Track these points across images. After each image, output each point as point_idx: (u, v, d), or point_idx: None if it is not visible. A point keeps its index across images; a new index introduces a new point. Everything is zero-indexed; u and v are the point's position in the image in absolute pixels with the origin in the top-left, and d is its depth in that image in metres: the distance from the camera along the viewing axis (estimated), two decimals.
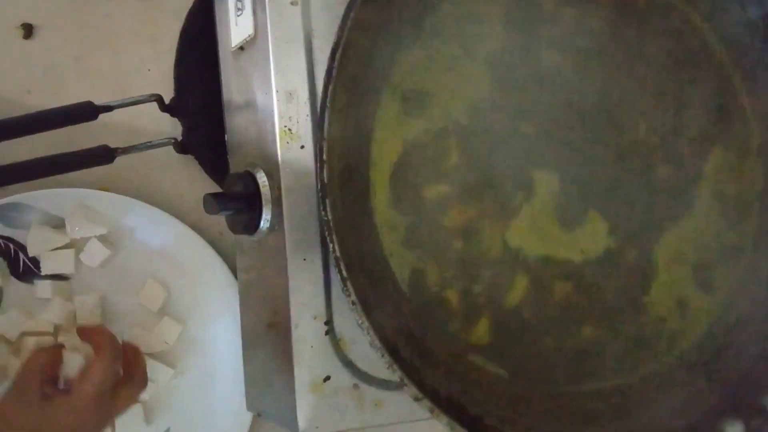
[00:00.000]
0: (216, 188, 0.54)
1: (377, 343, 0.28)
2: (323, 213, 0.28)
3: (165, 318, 0.52)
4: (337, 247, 0.28)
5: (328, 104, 0.28)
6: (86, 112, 0.46)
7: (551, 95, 0.38)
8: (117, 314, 0.52)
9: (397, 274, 0.33)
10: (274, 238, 0.42)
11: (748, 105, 0.39)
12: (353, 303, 0.28)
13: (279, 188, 0.41)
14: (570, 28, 0.36)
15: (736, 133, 0.39)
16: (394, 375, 0.28)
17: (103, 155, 0.46)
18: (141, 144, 0.48)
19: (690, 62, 0.38)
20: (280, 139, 0.41)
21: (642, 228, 0.37)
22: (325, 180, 0.28)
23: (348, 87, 0.30)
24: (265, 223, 0.41)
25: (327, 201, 0.28)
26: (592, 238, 0.36)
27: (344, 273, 0.28)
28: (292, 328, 0.40)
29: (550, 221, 0.35)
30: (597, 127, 0.39)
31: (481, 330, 0.35)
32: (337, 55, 0.28)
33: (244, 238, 0.44)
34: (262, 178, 0.41)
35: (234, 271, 0.53)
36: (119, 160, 0.47)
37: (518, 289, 0.35)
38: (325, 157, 0.28)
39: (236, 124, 0.47)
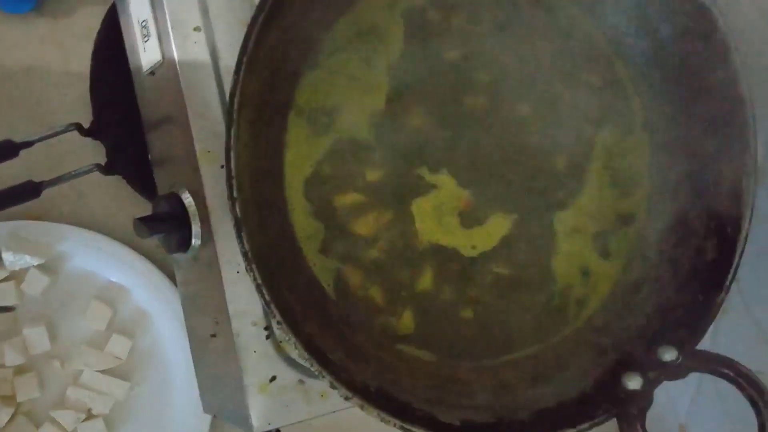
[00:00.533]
0: (147, 205, 0.56)
1: (306, 354, 0.31)
2: (240, 246, 0.30)
3: (114, 335, 0.54)
4: (257, 275, 0.30)
5: (232, 144, 0.30)
6: (7, 150, 0.46)
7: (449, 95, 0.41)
8: (66, 338, 0.53)
9: (323, 282, 0.36)
10: (207, 252, 0.44)
11: (630, 84, 0.42)
12: (278, 323, 0.31)
13: (205, 207, 0.43)
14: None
15: (621, 111, 0.42)
16: (325, 380, 0.31)
17: (30, 191, 0.47)
18: (66, 174, 0.49)
19: (572, 49, 0.42)
20: (200, 160, 0.42)
21: (540, 209, 0.41)
22: (238, 215, 0.30)
23: (252, 121, 0.32)
24: (196, 241, 0.43)
25: (243, 234, 0.30)
26: (492, 230, 0.39)
27: (266, 297, 0.31)
28: (234, 336, 0.42)
29: (453, 219, 0.38)
30: (492, 124, 0.42)
31: (406, 320, 0.38)
32: (235, 100, 0.30)
33: (180, 255, 0.46)
34: (187, 198, 0.43)
35: (174, 279, 0.56)
36: (49, 188, 0.48)
37: (427, 277, 0.38)
38: (235, 194, 0.30)
39: (157, 143, 0.49)
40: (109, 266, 0.54)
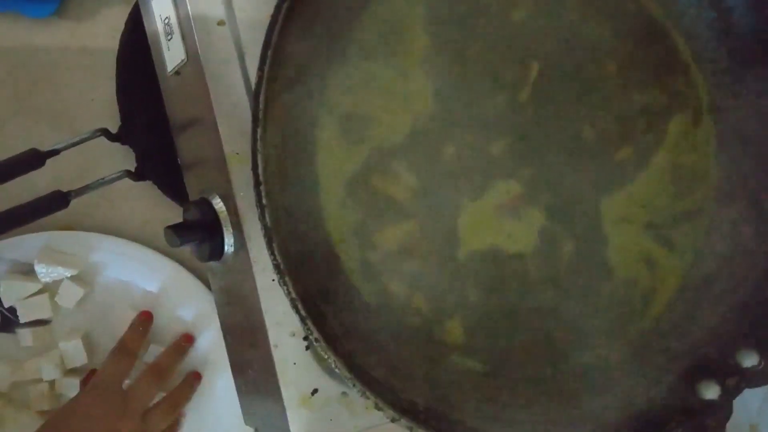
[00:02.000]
0: (179, 210, 0.54)
1: (347, 374, 0.28)
2: (271, 257, 0.28)
3: (152, 346, 0.52)
4: (291, 289, 0.28)
5: (259, 147, 0.27)
6: (33, 160, 0.45)
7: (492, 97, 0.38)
8: (104, 351, 0.52)
9: (363, 293, 0.33)
10: (240, 260, 0.42)
11: (693, 65, 0.38)
12: (316, 340, 0.28)
13: (237, 212, 0.40)
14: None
15: (686, 96, 0.38)
16: (369, 401, 0.29)
17: (58, 201, 0.46)
18: (94, 182, 0.48)
19: (634, 33, 0.38)
20: (230, 163, 0.40)
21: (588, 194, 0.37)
22: (268, 224, 0.27)
23: (281, 120, 0.29)
24: (229, 248, 0.41)
25: (274, 245, 0.27)
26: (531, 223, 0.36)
27: (302, 313, 0.28)
28: (272, 348, 0.40)
29: (497, 220, 0.35)
30: (548, 123, 0.38)
31: (455, 329, 0.35)
32: (261, 98, 0.27)
33: (213, 263, 0.44)
34: (218, 204, 0.41)
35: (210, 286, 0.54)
36: (78, 197, 0.47)
37: (472, 283, 0.35)
38: (264, 201, 0.27)
39: (186, 147, 0.47)
40: (144, 275, 0.53)
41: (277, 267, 0.28)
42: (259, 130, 0.27)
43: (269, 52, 0.27)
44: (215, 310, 0.49)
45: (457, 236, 0.37)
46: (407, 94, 0.36)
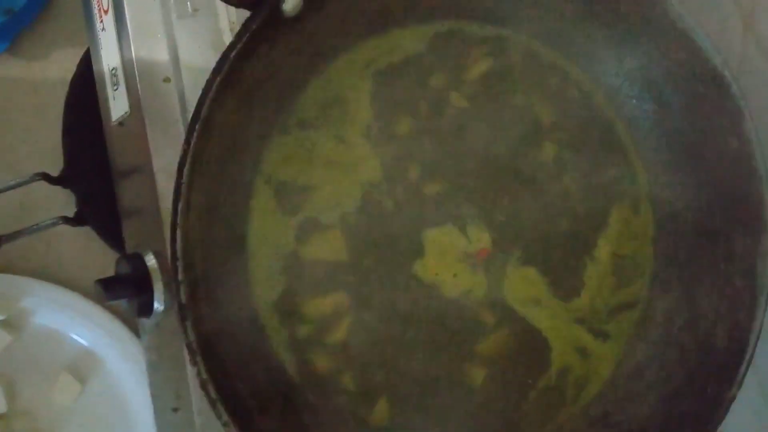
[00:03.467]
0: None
1: None
2: (184, 336, 0.27)
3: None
4: (202, 369, 0.27)
5: (178, 222, 0.26)
6: None
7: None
8: (26, 400, 0.50)
9: (287, 367, 0.32)
10: (170, 319, 0.41)
11: (633, 153, 0.39)
12: (225, 425, 0.27)
13: (169, 271, 0.39)
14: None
15: (624, 181, 0.39)
16: None
17: None
18: (27, 228, 0.46)
19: (574, 113, 0.38)
20: (165, 220, 0.39)
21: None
22: (183, 301, 0.27)
23: (209, 189, 0.28)
24: (159, 306, 0.40)
25: (187, 323, 0.26)
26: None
27: (213, 395, 0.27)
28: (195, 415, 0.39)
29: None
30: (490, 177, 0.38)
31: (381, 409, 0.34)
32: (185, 171, 0.26)
33: (144, 319, 0.43)
34: (151, 261, 0.40)
35: None
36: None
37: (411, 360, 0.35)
38: (180, 276, 0.26)
39: (125, 197, 0.46)
40: (76, 326, 0.50)
41: (188, 346, 0.27)
42: (180, 203, 0.26)
43: (197, 126, 0.26)
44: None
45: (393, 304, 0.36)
46: (350, 164, 0.36)
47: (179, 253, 0.27)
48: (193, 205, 0.28)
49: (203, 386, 0.27)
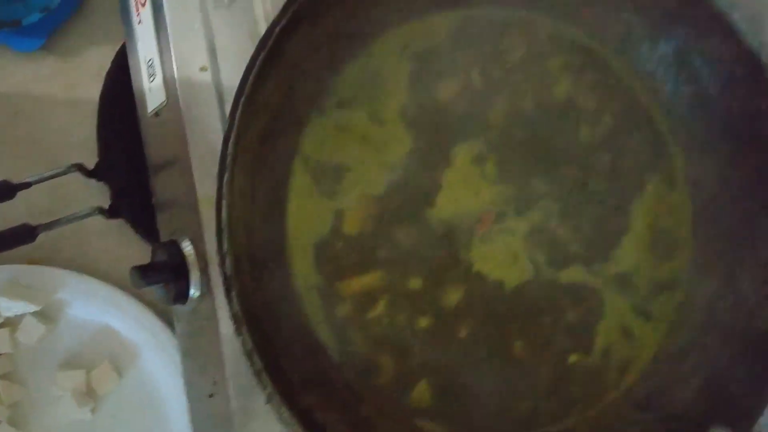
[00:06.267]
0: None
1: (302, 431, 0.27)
2: (229, 305, 0.27)
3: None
4: (247, 339, 0.27)
5: (224, 194, 0.27)
6: (3, 191, 0.44)
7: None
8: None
9: (327, 346, 0.32)
10: (205, 305, 0.41)
11: (670, 137, 0.38)
12: (270, 395, 0.27)
13: (205, 258, 0.40)
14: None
15: (661, 165, 0.39)
16: None
17: (25, 235, 0.44)
18: (64, 218, 0.47)
19: (609, 96, 0.38)
20: (202, 207, 0.40)
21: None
22: (228, 272, 0.27)
23: (250, 167, 0.29)
24: (195, 292, 0.40)
25: (233, 294, 0.27)
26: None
27: (257, 365, 0.27)
28: (232, 400, 0.39)
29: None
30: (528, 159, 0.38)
31: (422, 391, 0.34)
32: (230, 144, 0.27)
33: (178, 306, 0.43)
34: (187, 247, 0.40)
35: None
36: (47, 232, 0.46)
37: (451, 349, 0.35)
38: (225, 248, 0.27)
39: (161, 187, 0.46)
40: (111, 317, 0.51)
41: (235, 316, 0.27)
42: (225, 176, 0.27)
43: (242, 100, 0.26)
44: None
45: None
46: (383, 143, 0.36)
47: (224, 224, 0.27)
48: (236, 182, 0.28)
49: (249, 356, 0.27)
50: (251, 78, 0.27)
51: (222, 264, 0.27)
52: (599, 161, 0.39)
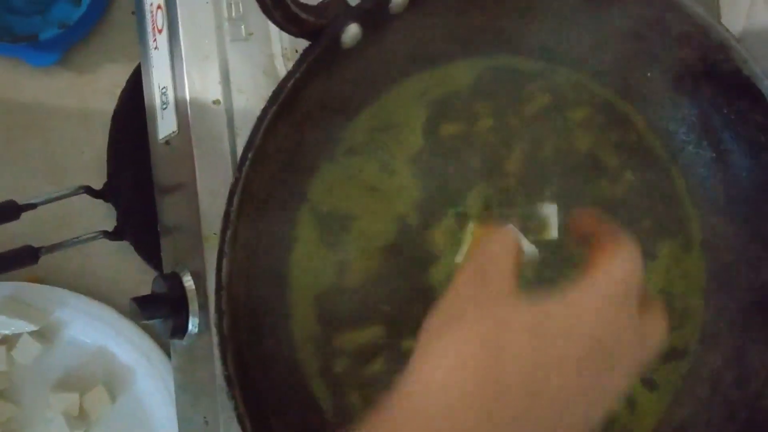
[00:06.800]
0: (153, 274, 0.52)
1: None
2: (223, 368, 0.26)
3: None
4: (240, 402, 0.26)
5: (225, 251, 0.26)
6: (8, 212, 0.44)
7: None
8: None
9: (322, 404, 0.31)
10: (203, 343, 0.40)
11: (687, 198, 0.38)
12: None
13: (205, 294, 0.39)
14: None
15: (676, 226, 0.38)
16: None
17: (27, 256, 0.44)
18: (67, 240, 0.46)
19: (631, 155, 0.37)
20: (206, 243, 0.39)
21: None
22: (225, 332, 0.26)
23: (254, 217, 0.28)
24: (193, 328, 0.39)
25: (228, 355, 0.26)
26: None
27: (249, 429, 0.26)
28: None
29: None
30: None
31: None
32: (235, 199, 0.26)
33: (176, 341, 0.42)
34: (188, 282, 0.40)
35: None
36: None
37: None
38: (224, 306, 0.26)
39: (167, 215, 0.46)
40: (108, 340, 0.50)
41: (227, 378, 0.26)
42: (228, 232, 0.26)
43: (250, 155, 0.26)
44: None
45: None
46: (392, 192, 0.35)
47: (224, 282, 0.26)
48: (240, 234, 0.27)
49: (240, 420, 0.27)
50: (261, 131, 0.26)
51: (219, 323, 0.26)
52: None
